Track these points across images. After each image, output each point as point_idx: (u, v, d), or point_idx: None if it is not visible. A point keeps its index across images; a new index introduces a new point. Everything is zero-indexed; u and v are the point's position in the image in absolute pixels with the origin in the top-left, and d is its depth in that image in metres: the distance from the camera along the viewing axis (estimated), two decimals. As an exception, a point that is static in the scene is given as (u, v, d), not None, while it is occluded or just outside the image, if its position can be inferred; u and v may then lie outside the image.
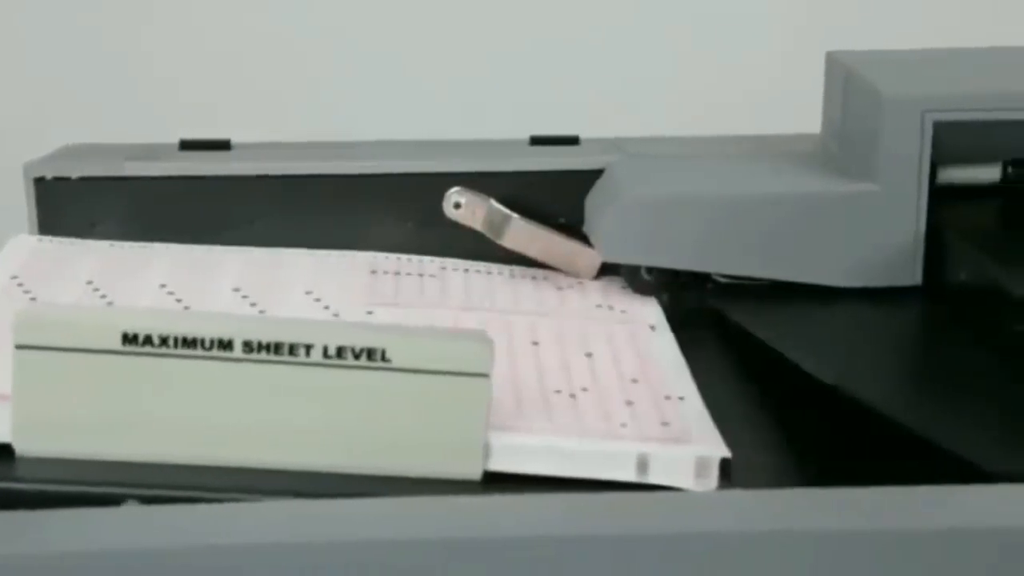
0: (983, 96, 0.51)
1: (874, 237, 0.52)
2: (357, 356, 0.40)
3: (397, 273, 0.54)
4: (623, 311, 0.52)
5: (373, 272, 0.54)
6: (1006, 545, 0.37)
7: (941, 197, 0.52)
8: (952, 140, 0.51)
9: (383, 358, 0.40)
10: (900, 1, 0.87)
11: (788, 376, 0.45)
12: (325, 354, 0.40)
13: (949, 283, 0.51)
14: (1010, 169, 0.53)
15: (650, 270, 0.53)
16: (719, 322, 0.51)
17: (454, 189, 0.54)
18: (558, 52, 0.85)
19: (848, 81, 0.54)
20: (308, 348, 0.40)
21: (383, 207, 0.56)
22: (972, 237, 0.51)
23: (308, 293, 0.52)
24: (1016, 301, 0.45)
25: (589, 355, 0.48)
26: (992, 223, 0.53)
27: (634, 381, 0.46)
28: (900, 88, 0.51)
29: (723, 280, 0.53)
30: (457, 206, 0.54)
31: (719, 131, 0.59)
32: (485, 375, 0.40)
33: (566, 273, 0.55)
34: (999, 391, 0.44)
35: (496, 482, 0.41)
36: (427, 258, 0.55)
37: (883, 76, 0.53)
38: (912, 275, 0.52)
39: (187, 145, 0.58)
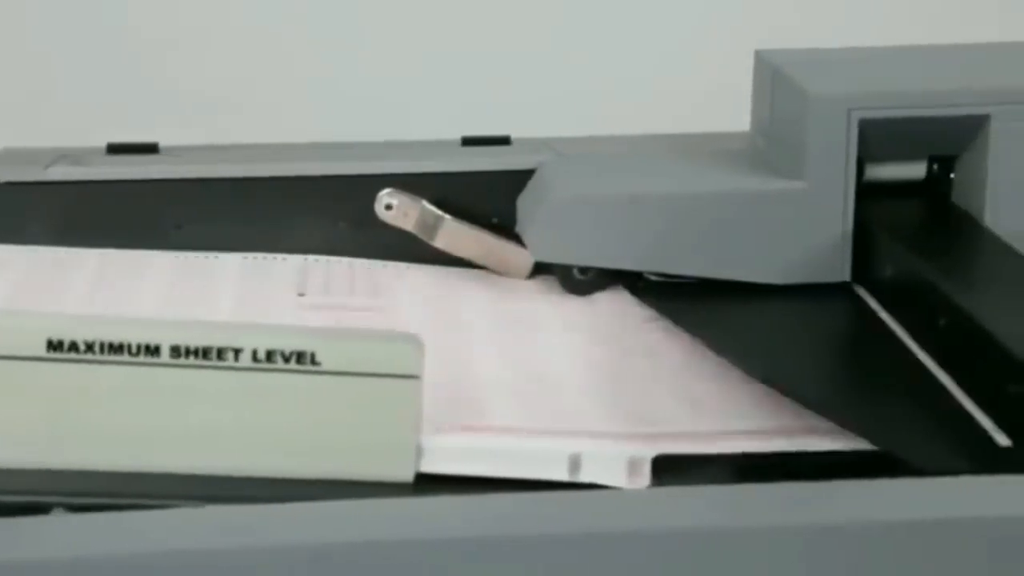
0: (908, 94, 0.52)
1: (803, 234, 0.52)
2: (286, 359, 0.40)
3: (328, 276, 0.54)
4: (555, 310, 0.52)
5: (304, 274, 0.54)
6: (938, 537, 0.38)
7: (868, 194, 0.53)
8: (878, 137, 0.52)
9: (312, 361, 0.40)
10: (828, 0, 0.88)
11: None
12: (254, 358, 0.40)
13: (877, 279, 0.52)
14: (935, 166, 0.54)
15: (583, 270, 0.53)
16: (651, 320, 0.51)
17: (385, 191, 0.54)
18: (489, 52, 0.85)
19: (775, 80, 0.55)
20: (237, 352, 0.40)
21: (314, 209, 0.55)
22: (899, 233, 0.51)
23: (238, 297, 0.51)
24: (942, 296, 0.46)
25: (522, 355, 0.48)
26: (918, 219, 0.54)
27: (569, 380, 0.46)
28: (826, 86, 0.52)
29: (655, 278, 0.53)
30: (389, 207, 0.54)
31: (649, 130, 0.60)
32: (415, 376, 0.40)
33: (499, 273, 0.55)
34: (928, 386, 0.45)
35: (429, 484, 0.41)
36: (359, 260, 0.55)
37: (809, 75, 0.53)
38: (840, 271, 0.52)
39: (114, 149, 0.57)
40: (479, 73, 0.84)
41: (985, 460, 0.40)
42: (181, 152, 0.57)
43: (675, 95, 0.83)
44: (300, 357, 0.40)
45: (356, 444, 0.40)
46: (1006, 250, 0.50)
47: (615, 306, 0.52)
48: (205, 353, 0.39)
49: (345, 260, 0.55)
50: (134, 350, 0.39)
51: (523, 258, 0.54)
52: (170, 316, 0.49)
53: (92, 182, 0.55)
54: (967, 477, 0.39)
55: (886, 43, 0.58)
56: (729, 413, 0.44)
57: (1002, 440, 0.41)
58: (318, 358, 0.40)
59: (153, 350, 0.39)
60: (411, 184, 0.55)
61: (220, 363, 0.40)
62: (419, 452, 0.41)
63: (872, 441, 0.41)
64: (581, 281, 0.53)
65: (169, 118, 0.73)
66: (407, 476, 0.41)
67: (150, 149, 0.57)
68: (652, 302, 0.52)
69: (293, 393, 0.40)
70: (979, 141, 0.52)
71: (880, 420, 0.43)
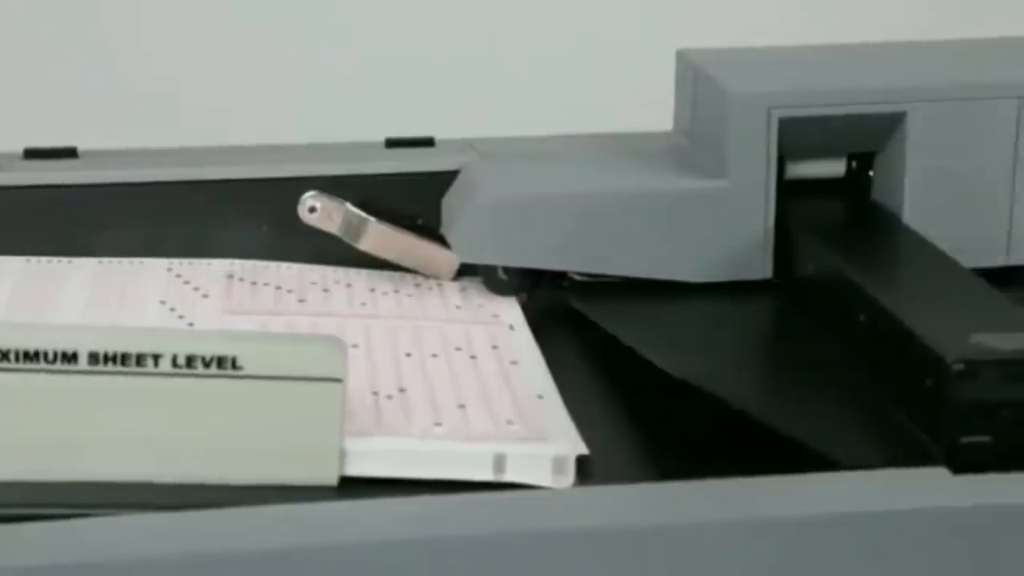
0: (827, 92, 0.53)
1: (725, 232, 0.52)
2: (207, 364, 0.39)
3: (253, 280, 0.53)
4: (482, 312, 0.52)
5: (229, 279, 0.53)
6: (856, 530, 0.38)
7: (790, 192, 0.53)
8: (798, 135, 0.53)
9: (234, 365, 0.39)
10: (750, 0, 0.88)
11: (644, 372, 0.46)
12: (174, 363, 0.39)
13: (798, 276, 0.52)
14: (854, 163, 0.55)
15: (507, 270, 0.53)
16: (576, 320, 0.52)
17: (309, 193, 0.54)
18: (412, 54, 0.84)
19: (696, 79, 0.55)
20: (156, 358, 0.39)
21: (237, 213, 0.55)
22: (819, 231, 0.52)
23: (162, 303, 0.51)
24: (861, 293, 0.46)
25: (448, 357, 0.48)
26: (838, 216, 0.54)
27: (494, 381, 0.46)
28: (746, 85, 0.52)
29: (579, 278, 0.53)
30: (312, 210, 0.54)
31: (573, 130, 0.60)
32: (338, 380, 0.40)
33: (425, 275, 0.55)
34: (847, 382, 0.45)
35: (353, 487, 0.41)
36: (284, 264, 0.55)
37: (730, 74, 0.53)
38: (763, 269, 0.53)
39: (32, 154, 0.56)
40: (403, 75, 0.83)
41: (903, 453, 0.41)
42: (101, 156, 0.57)
43: (599, 95, 0.83)
44: (221, 362, 0.39)
45: (280, 448, 0.40)
46: (924, 246, 0.51)
47: (540, 306, 0.52)
48: (124, 359, 0.39)
49: (269, 264, 0.55)
50: (51, 357, 0.39)
51: (448, 259, 0.54)
52: (92, 323, 0.49)
53: (9, 188, 0.54)
54: (884, 470, 0.39)
55: (806, 42, 0.59)
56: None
57: (919, 433, 0.42)
58: (239, 363, 0.39)
59: (70, 357, 0.39)
60: (335, 186, 0.55)
61: (140, 369, 0.39)
62: (343, 455, 0.41)
63: (791, 436, 0.41)
64: (506, 281, 0.53)
65: (88, 122, 0.72)
66: (331, 480, 0.40)
67: (69, 154, 0.56)
68: (576, 301, 0.52)
69: (215, 398, 0.40)
70: (897, 138, 0.53)
71: (799, 416, 0.43)
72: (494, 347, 0.49)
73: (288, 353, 0.40)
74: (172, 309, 0.50)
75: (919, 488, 0.39)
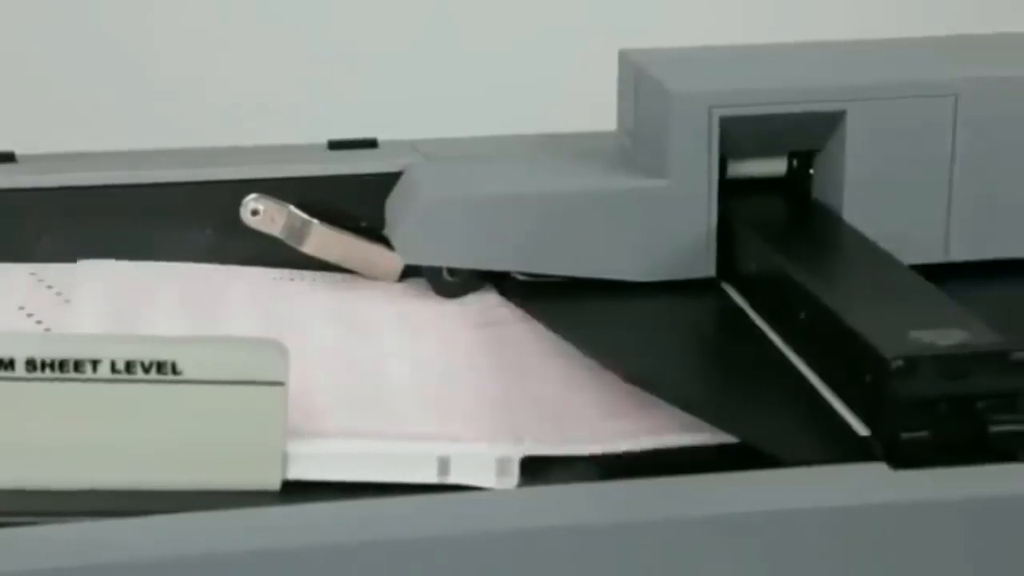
0: (767, 91, 0.53)
1: (668, 231, 0.53)
2: (147, 370, 0.39)
3: (194, 283, 0.53)
4: (428, 313, 0.52)
5: (171, 283, 0.53)
6: (799, 526, 0.38)
7: (731, 190, 0.54)
8: (739, 134, 0.53)
9: (174, 370, 0.39)
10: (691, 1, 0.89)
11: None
12: (113, 369, 0.39)
13: (741, 274, 0.52)
14: (795, 162, 0.55)
15: (452, 271, 0.53)
16: (521, 321, 0.51)
17: (251, 196, 0.54)
18: (354, 55, 0.84)
19: (638, 79, 0.55)
20: (95, 364, 0.39)
21: (178, 217, 0.55)
22: (761, 229, 0.52)
23: (104, 308, 0.50)
24: (802, 290, 0.46)
25: (392, 359, 0.48)
26: (780, 214, 0.55)
27: (438, 383, 0.46)
28: (687, 85, 0.53)
29: (523, 278, 0.53)
30: (255, 213, 0.54)
31: (516, 131, 0.60)
32: (280, 383, 0.40)
33: (369, 277, 0.55)
34: (789, 379, 0.46)
35: (297, 491, 0.40)
36: (226, 267, 0.54)
37: (671, 74, 0.54)
38: (705, 267, 0.53)
39: (-31, 159, 0.56)
40: (345, 76, 0.83)
41: (844, 449, 0.41)
42: (39, 161, 0.56)
43: (542, 96, 0.83)
44: (160, 367, 0.39)
45: (222, 453, 0.40)
46: (864, 244, 0.51)
47: (482, 307, 0.52)
48: (62, 366, 0.39)
49: (212, 267, 0.54)
50: (-13, 365, 0.38)
51: (393, 261, 0.54)
52: (29, 329, 0.48)
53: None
54: (825, 467, 0.40)
55: (747, 41, 0.59)
56: (595, 412, 0.44)
57: (861, 429, 0.42)
58: (179, 367, 0.39)
59: (7, 364, 0.38)
60: (277, 189, 0.54)
61: (78, 375, 0.39)
62: (286, 459, 0.40)
63: (735, 435, 0.42)
64: (451, 283, 0.53)
65: (26, 127, 0.71)
66: (274, 484, 0.40)
67: (7, 158, 0.56)
68: (520, 302, 0.52)
69: (155, 404, 0.39)
70: (836, 137, 0.53)
71: (743, 413, 0.44)
72: (438, 348, 0.49)
73: (228, 357, 0.39)
74: (113, 314, 0.50)
75: (859, 484, 0.39)
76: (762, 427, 0.42)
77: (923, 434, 0.40)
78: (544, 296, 0.52)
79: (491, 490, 0.41)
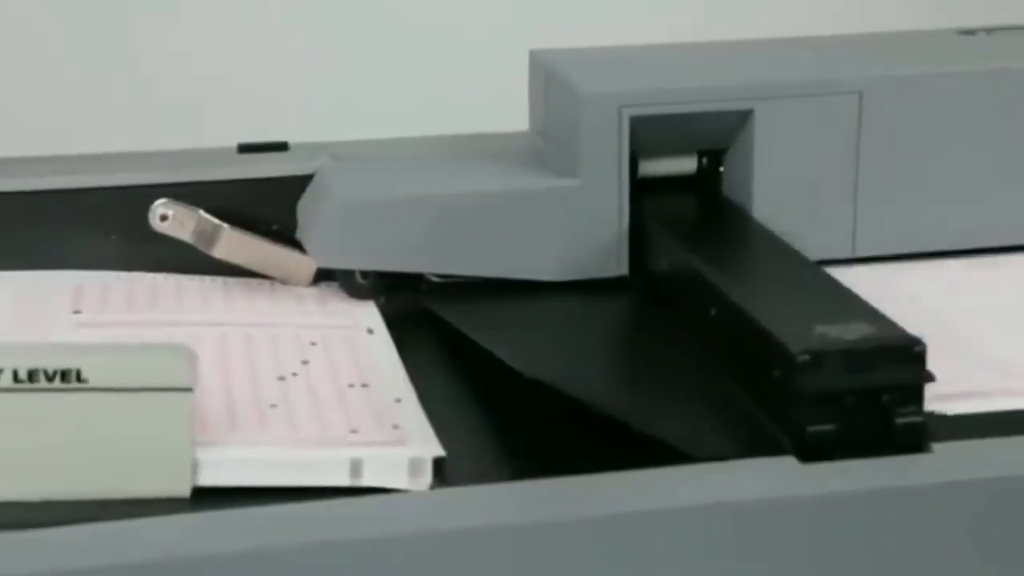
0: (676, 90, 0.53)
1: (580, 231, 0.53)
2: (51, 378, 0.38)
3: (103, 291, 0.52)
4: (339, 316, 0.52)
5: (77, 291, 0.52)
6: (707, 522, 0.39)
7: (643, 189, 0.54)
8: (649, 134, 0.53)
9: (79, 378, 0.39)
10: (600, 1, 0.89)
11: (500, 372, 0.46)
12: (16, 378, 0.38)
13: (653, 272, 0.53)
14: (705, 160, 0.56)
15: (365, 274, 0.53)
16: (434, 322, 0.51)
17: (160, 201, 0.53)
18: (264, 57, 0.84)
19: (548, 79, 0.55)
20: (-3, 373, 0.38)
21: (86, 223, 0.54)
22: (671, 227, 0.53)
23: (9, 317, 0.50)
24: (711, 287, 0.47)
25: (305, 363, 0.48)
26: (690, 213, 0.55)
27: (350, 386, 0.46)
28: (597, 85, 0.53)
29: (437, 279, 0.53)
30: (164, 218, 0.53)
31: (429, 132, 0.60)
32: (187, 389, 0.39)
33: (282, 281, 0.54)
34: (700, 376, 0.46)
35: (208, 497, 0.40)
36: (135, 274, 0.54)
37: (581, 73, 0.54)
38: (618, 266, 0.53)
39: None
40: (254, 78, 0.83)
41: (754, 444, 0.41)
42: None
43: (455, 97, 0.83)
44: (65, 375, 0.38)
45: (130, 461, 0.39)
46: (772, 241, 0.52)
47: (394, 309, 0.52)
48: (-38, 375, 0.38)
49: (120, 274, 0.54)
50: None
51: (305, 264, 0.54)
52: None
53: None
54: (735, 461, 0.40)
55: (656, 41, 0.60)
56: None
57: (769, 424, 0.42)
58: (84, 375, 0.39)
59: (-94, 375, 0.38)
60: (187, 194, 0.54)
61: (-21, 386, 0.38)
62: (195, 466, 0.40)
63: (646, 432, 0.42)
64: (364, 285, 0.53)
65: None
66: (183, 491, 0.40)
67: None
68: (433, 303, 0.52)
69: (60, 412, 0.39)
70: (744, 135, 0.54)
71: (654, 411, 0.44)
72: (351, 351, 0.49)
73: (134, 364, 0.39)
74: (18, 323, 0.49)
75: (768, 478, 0.40)
76: (673, 424, 0.43)
77: (830, 427, 0.40)
78: (457, 297, 0.52)
79: (404, 491, 0.41)
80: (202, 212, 0.53)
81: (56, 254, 0.53)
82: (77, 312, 0.50)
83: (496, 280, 0.53)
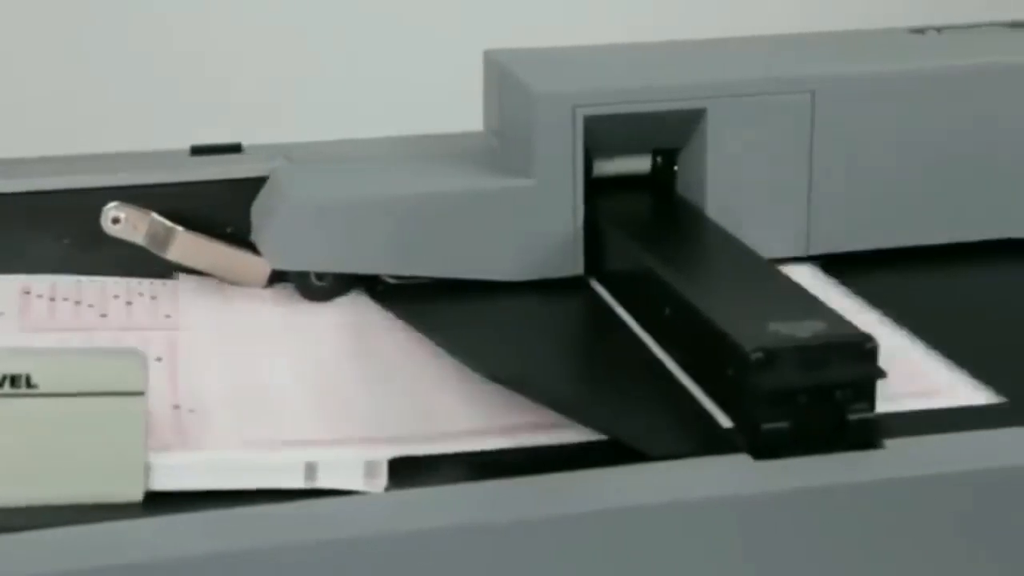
0: (630, 90, 0.53)
1: (535, 231, 0.53)
2: None
3: (52, 296, 0.52)
4: (294, 318, 0.52)
5: (26, 295, 0.52)
6: (663, 520, 0.39)
7: (598, 188, 0.54)
8: (603, 133, 0.53)
9: (28, 384, 0.38)
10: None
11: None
12: (-36, 384, 0.38)
13: (608, 271, 0.53)
14: (659, 159, 0.56)
15: (320, 275, 0.53)
16: (389, 323, 0.51)
17: (112, 204, 0.53)
18: (218, 59, 0.83)
19: (503, 79, 0.55)
20: (-55, 379, 0.38)
21: (37, 226, 0.53)
22: (626, 226, 0.53)
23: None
24: (666, 286, 0.47)
25: (258, 365, 0.47)
26: (645, 212, 0.55)
27: (303, 388, 0.46)
28: (551, 85, 0.53)
29: (393, 281, 0.53)
30: (116, 221, 0.53)
31: (384, 132, 0.60)
32: (139, 393, 0.39)
33: (236, 283, 0.54)
34: (656, 375, 0.46)
35: (161, 502, 0.40)
36: (86, 278, 0.53)
37: (535, 73, 0.54)
38: (574, 265, 0.53)
39: None
40: (207, 80, 0.82)
41: (708, 441, 0.42)
42: None
43: (410, 97, 0.83)
44: (15, 380, 0.38)
45: (82, 466, 0.39)
46: (726, 239, 0.52)
47: (350, 310, 0.52)
48: (-90, 382, 0.38)
49: (72, 278, 0.53)
50: None
51: (260, 267, 0.54)
52: None
53: None
54: (689, 460, 0.40)
55: (611, 41, 0.60)
56: (463, 413, 0.45)
57: (725, 421, 0.43)
58: (34, 380, 0.38)
59: None
60: (139, 196, 0.53)
61: (-73, 391, 0.38)
62: (148, 470, 0.40)
63: (602, 431, 0.42)
64: (319, 287, 0.53)
65: None
66: (136, 496, 0.40)
67: None
68: (390, 305, 0.52)
69: (9, 419, 0.38)
70: (698, 134, 0.54)
71: (610, 410, 0.44)
72: (306, 353, 0.48)
73: (85, 368, 0.39)
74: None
75: (723, 475, 0.40)
76: (629, 423, 0.43)
77: (784, 424, 0.40)
78: (413, 298, 0.52)
79: (360, 493, 0.41)
80: (155, 215, 0.53)
81: (7, 257, 0.53)
82: (23, 318, 0.50)
83: (452, 280, 0.53)
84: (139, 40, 0.83)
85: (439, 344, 0.47)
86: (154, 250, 0.53)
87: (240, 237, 0.54)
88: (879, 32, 0.61)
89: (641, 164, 0.56)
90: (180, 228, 0.53)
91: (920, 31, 0.60)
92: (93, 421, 0.39)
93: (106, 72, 0.82)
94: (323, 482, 0.41)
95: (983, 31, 0.60)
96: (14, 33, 0.82)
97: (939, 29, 0.60)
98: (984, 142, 0.55)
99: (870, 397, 0.41)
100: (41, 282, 0.53)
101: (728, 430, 0.42)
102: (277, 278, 0.54)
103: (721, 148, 0.54)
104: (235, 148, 0.57)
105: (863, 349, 0.41)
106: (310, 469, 0.41)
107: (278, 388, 0.46)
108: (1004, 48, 0.58)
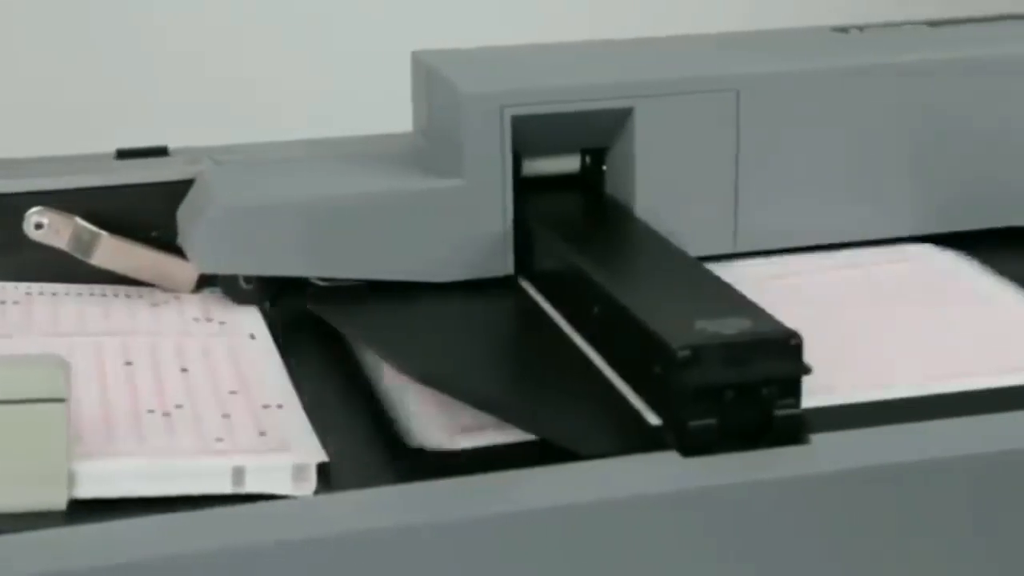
0: (557, 89, 0.53)
1: (464, 231, 0.53)
2: (-82, 392, 0.37)
3: (-24, 301, 0.51)
4: (222, 323, 0.51)
5: (-51, 301, 0.51)
6: (592, 519, 0.39)
7: (527, 188, 0.54)
8: (532, 133, 0.53)
9: (-53, 392, 0.38)
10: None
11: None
12: None
13: (538, 271, 0.53)
14: (587, 158, 0.56)
15: (248, 279, 0.53)
16: (319, 326, 0.51)
17: (34, 209, 0.52)
18: (143, 61, 0.82)
19: (431, 80, 0.55)
20: None
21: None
22: (556, 226, 0.53)
23: None
24: (594, 285, 0.47)
25: (185, 371, 0.47)
26: (574, 211, 0.55)
27: (232, 393, 0.45)
28: (478, 85, 0.53)
29: (322, 283, 0.53)
30: (39, 226, 0.52)
31: (311, 134, 0.59)
32: (61, 400, 0.38)
33: (163, 288, 0.53)
34: (585, 374, 0.46)
35: (86, 510, 0.39)
36: (9, 284, 0.53)
37: (463, 74, 0.54)
38: (503, 265, 0.53)
39: None
40: (133, 82, 0.81)
41: (637, 440, 0.42)
42: None
43: (337, 99, 0.83)
44: (-67, 389, 0.37)
45: (4, 474, 0.39)
46: (653, 238, 0.52)
47: (284, 314, 0.52)
48: None
49: (-5, 284, 0.52)
50: None
51: (187, 271, 0.53)
52: None
53: None
54: (618, 458, 0.40)
55: (538, 40, 0.60)
56: (392, 415, 0.44)
57: (652, 419, 0.43)
58: (-47, 388, 0.38)
59: None
60: (63, 201, 0.53)
61: None
62: (72, 478, 0.39)
63: (531, 431, 0.42)
64: (247, 290, 0.53)
65: None
66: (59, 504, 0.39)
67: None
68: (317, 307, 0.52)
69: (-72, 428, 0.38)
70: (626, 133, 0.54)
71: (539, 410, 0.44)
72: (233, 358, 0.48)
73: (5, 375, 0.38)
74: None
75: (651, 473, 0.40)
76: (558, 422, 0.43)
77: (711, 421, 0.41)
78: (344, 300, 0.52)
79: (288, 498, 0.40)
80: (79, 219, 0.52)
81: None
82: None
83: (382, 282, 0.52)
84: (65, 43, 0.82)
85: (370, 346, 0.47)
86: (79, 255, 0.52)
87: (166, 241, 0.53)
88: (802, 31, 0.61)
89: (570, 164, 0.56)
90: (105, 233, 0.52)
91: (843, 30, 0.60)
92: (13, 429, 0.38)
93: (29, 75, 0.81)
94: (251, 487, 0.40)
95: (904, 29, 0.61)
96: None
97: (861, 28, 0.60)
98: (905, 137, 0.56)
99: (796, 392, 0.41)
100: (-38, 289, 0.52)
101: (656, 428, 0.42)
102: (205, 282, 0.53)
103: (648, 147, 0.54)
104: (161, 151, 0.57)
105: (788, 345, 0.41)
106: (237, 475, 0.41)
107: (204, 393, 0.45)
108: (924, 45, 0.58)
